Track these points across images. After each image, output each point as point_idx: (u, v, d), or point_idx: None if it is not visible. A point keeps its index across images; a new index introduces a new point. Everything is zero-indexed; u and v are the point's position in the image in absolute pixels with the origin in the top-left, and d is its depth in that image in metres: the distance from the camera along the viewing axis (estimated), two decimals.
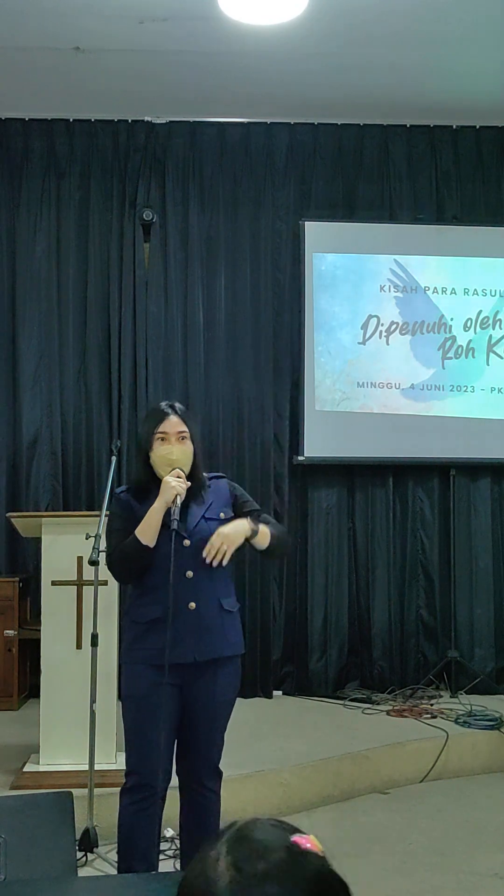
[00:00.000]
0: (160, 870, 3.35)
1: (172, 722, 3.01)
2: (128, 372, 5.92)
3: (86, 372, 5.96)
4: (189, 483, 3.02)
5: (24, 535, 4.64)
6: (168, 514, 2.96)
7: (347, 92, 5.72)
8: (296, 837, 0.99)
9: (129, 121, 6.07)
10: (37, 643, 4.43)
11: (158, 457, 3.06)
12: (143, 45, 5.10)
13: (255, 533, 3.02)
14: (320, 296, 5.97)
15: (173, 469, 3.02)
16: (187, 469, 3.06)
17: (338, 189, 6.20)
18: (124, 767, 3.10)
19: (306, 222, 6.00)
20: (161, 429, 3.07)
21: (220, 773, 3.14)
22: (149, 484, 3.07)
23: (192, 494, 3.07)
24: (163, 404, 3.17)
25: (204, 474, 3.17)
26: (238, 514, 3.13)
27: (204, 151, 6.11)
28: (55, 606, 4.25)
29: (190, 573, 3.00)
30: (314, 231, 5.99)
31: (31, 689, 5.42)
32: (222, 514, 3.10)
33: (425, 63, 5.36)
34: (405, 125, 6.22)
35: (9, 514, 4.60)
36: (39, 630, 4.35)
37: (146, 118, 6.05)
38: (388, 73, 5.48)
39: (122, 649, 3.19)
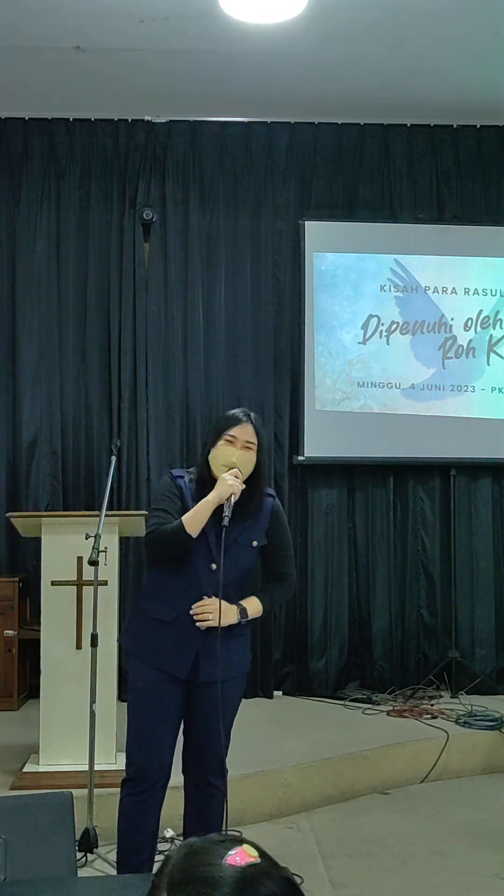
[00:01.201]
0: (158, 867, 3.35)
1: (175, 717, 3.03)
2: (128, 372, 5.92)
3: (86, 372, 5.96)
4: (245, 486, 2.99)
5: (24, 535, 4.64)
6: (219, 510, 2.94)
7: (348, 91, 5.72)
8: (229, 858, 0.98)
9: (129, 120, 6.06)
10: (37, 643, 4.43)
11: (218, 455, 3.02)
12: (143, 44, 5.09)
13: (240, 621, 3.04)
14: (320, 295, 5.97)
15: (231, 469, 2.98)
16: (245, 476, 3.02)
17: (338, 188, 6.19)
18: (124, 768, 3.12)
19: (307, 222, 6.00)
20: (232, 432, 3.03)
21: (225, 771, 3.12)
22: (206, 481, 3.03)
23: (242, 511, 3.02)
24: (238, 411, 3.12)
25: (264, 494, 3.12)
26: (265, 553, 3.12)
27: (204, 151, 6.10)
28: (55, 606, 4.24)
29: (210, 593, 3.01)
30: (314, 230, 5.99)
31: (31, 690, 5.41)
32: (255, 543, 3.08)
33: (425, 62, 5.35)
34: (405, 124, 6.21)
35: (9, 514, 4.59)
36: (39, 630, 4.35)
37: (146, 117, 6.05)
38: (388, 73, 5.48)
39: (126, 635, 3.15)
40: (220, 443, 3.03)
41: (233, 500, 2.93)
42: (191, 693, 3.04)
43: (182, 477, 3.12)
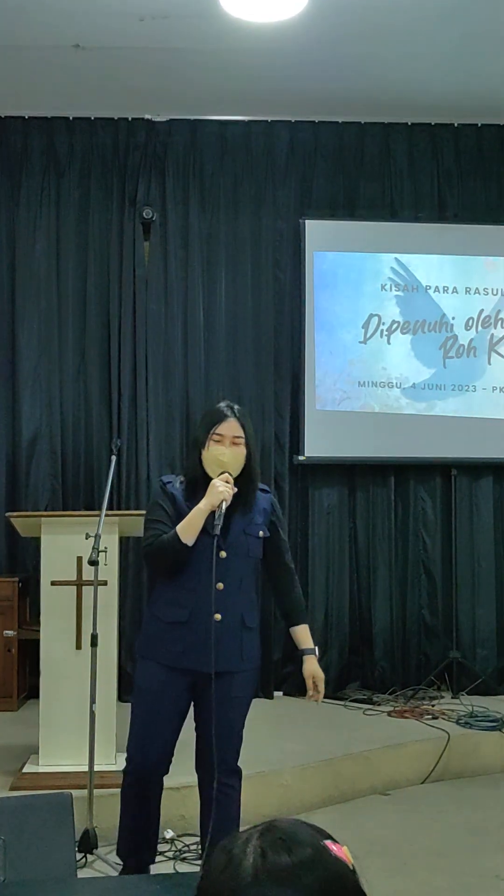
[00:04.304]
0: (158, 871, 3.34)
1: (180, 716, 3.10)
2: (128, 370, 5.91)
3: (85, 370, 5.94)
4: (236, 489, 3.04)
5: (24, 534, 4.63)
6: (211, 517, 2.98)
7: (348, 90, 5.70)
8: (328, 842, 1.01)
9: (130, 118, 6.05)
10: (36, 643, 4.41)
11: (210, 456, 3.08)
12: (143, 43, 5.08)
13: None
14: (321, 294, 5.96)
15: (222, 473, 3.04)
16: (236, 473, 3.08)
17: (339, 187, 6.18)
18: (124, 767, 3.17)
19: (307, 221, 5.99)
20: (218, 430, 3.09)
21: (237, 771, 3.18)
22: (198, 481, 3.09)
23: (240, 503, 3.09)
24: (223, 405, 3.18)
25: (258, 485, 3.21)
26: (266, 547, 3.19)
27: (204, 149, 6.09)
28: (55, 606, 4.23)
29: (220, 585, 3.02)
30: (315, 229, 5.97)
31: (30, 690, 5.39)
32: (261, 533, 3.15)
33: (426, 61, 5.34)
34: (406, 123, 6.20)
35: (8, 514, 4.58)
36: (39, 630, 4.33)
37: (146, 116, 6.03)
38: (388, 71, 5.47)
39: (140, 642, 3.24)
40: (210, 442, 3.09)
41: (224, 507, 2.97)
42: (200, 690, 3.06)
43: (171, 483, 3.17)
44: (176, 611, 3.06)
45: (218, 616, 3.02)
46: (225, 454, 3.06)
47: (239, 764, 3.20)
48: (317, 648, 3.31)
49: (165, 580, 3.15)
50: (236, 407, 3.18)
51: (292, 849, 0.97)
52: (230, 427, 3.10)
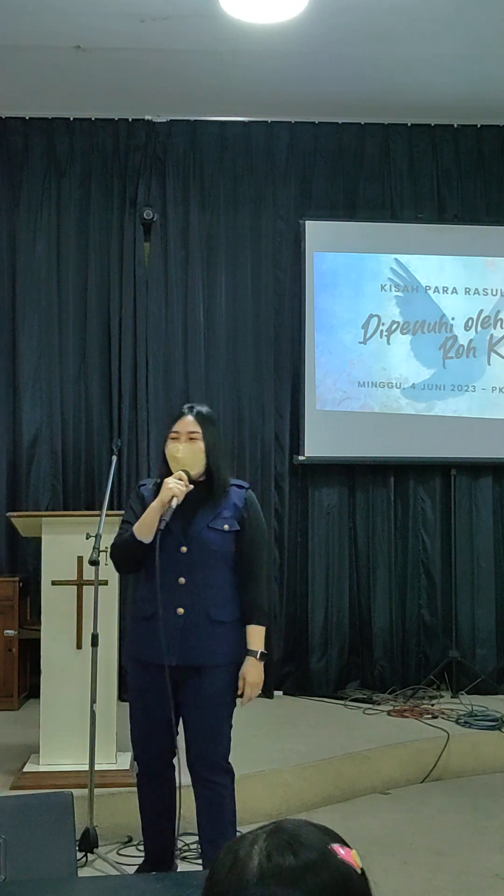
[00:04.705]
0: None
1: (168, 710, 3.09)
2: (128, 371, 5.91)
3: (86, 371, 5.95)
4: (191, 487, 3.08)
5: (25, 534, 4.63)
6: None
7: (348, 90, 5.71)
8: (335, 845, 1.01)
9: (130, 119, 6.06)
10: (37, 643, 4.42)
11: (167, 454, 3.19)
12: (143, 44, 5.09)
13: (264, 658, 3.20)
14: (321, 295, 5.96)
15: (180, 470, 3.11)
16: (195, 469, 3.13)
17: (339, 188, 6.19)
18: (124, 768, 3.19)
19: (307, 221, 5.99)
20: (175, 427, 3.20)
21: (225, 769, 3.16)
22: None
23: (204, 498, 3.14)
24: (184, 406, 3.28)
25: (229, 479, 3.24)
26: (238, 543, 3.18)
27: (204, 150, 6.10)
28: (55, 606, 4.24)
29: (182, 580, 3.09)
30: (315, 230, 5.98)
31: (31, 689, 5.40)
32: (226, 527, 3.16)
33: (426, 62, 5.34)
34: (406, 124, 6.21)
35: (9, 514, 4.59)
36: (39, 630, 4.34)
37: (147, 117, 6.04)
38: (388, 72, 5.47)
39: (127, 641, 3.33)
40: (168, 441, 3.21)
41: (174, 503, 3.03)
42: (178, 687, 3.10)
43: (145, 485, 3.30)
44: (144, 606, 3.13)
45: (181, 610, 3.07)
46: (179, 450, 3.15)
47: (230, 762, 3.19)
48: (259, 651, 3.16)
49: (138, 576, 3.22)
50: (199, 408, 3.25)
51: (297, 851, 0.97)
52: (185, 423, 3.18)
